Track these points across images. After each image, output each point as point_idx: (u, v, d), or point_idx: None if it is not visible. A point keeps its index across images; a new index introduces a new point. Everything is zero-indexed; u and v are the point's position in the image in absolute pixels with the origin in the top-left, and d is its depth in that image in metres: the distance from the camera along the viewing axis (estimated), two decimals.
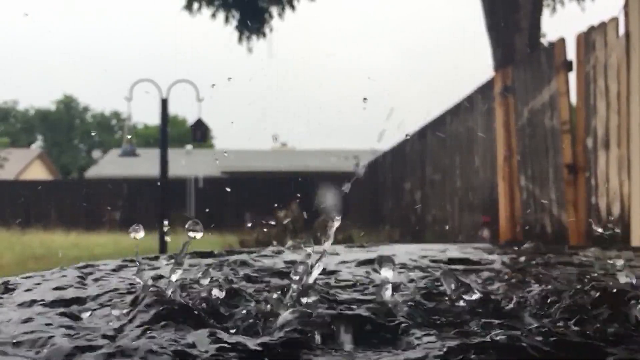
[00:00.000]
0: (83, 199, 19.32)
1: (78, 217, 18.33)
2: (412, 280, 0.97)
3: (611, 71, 4.47)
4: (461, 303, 0.78)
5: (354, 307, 0.74)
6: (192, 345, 0.57)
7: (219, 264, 1.12)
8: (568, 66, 5.15)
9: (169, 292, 0.75)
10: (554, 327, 0.67)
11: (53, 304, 0.78)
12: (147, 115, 48.29)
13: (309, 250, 0.81)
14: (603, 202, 4.58)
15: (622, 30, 4.39)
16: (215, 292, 0.78)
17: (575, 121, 5.05)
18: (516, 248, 1.48)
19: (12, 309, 0.76)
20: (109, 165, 28.50)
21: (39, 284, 0.93)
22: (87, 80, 69.10)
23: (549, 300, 0.78)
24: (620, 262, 0.88)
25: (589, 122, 4.78)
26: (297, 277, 0.76)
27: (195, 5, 11.86)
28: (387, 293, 0.76)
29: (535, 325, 0.66)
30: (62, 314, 0.72)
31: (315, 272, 0.78)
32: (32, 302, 0.79)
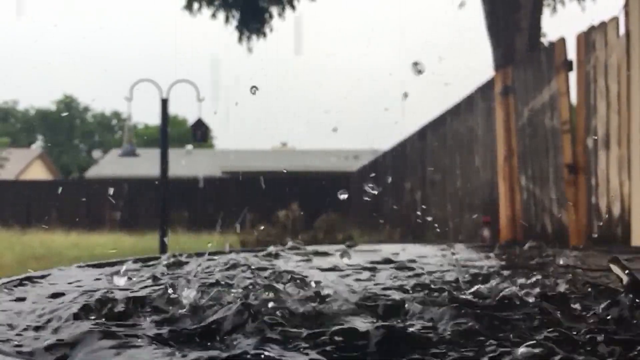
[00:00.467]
0: (84, 198, 19.31)
1: (78, 217, 18.33)
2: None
3: (611, 71, 4.47)
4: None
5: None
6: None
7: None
8: (568, 66, 5.15)
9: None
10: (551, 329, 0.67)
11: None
12: (147, 115, 48.24)
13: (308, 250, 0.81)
14: (603, 202, 4.58)
15: (622, 30, 4.39)
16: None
17: (576, 121, 5.05)
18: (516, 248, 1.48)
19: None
20: (109, 165, 28.49)
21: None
22: (88, 80, 69.10)
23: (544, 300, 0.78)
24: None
25: (590, 122, 4.78)
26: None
27: (196, 5, 11.86)
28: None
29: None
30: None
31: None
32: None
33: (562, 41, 5.28)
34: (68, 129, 48.60)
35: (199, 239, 11.48)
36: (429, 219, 9.76)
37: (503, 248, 1.53)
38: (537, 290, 0.81)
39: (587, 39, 4.81)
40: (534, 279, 0.87)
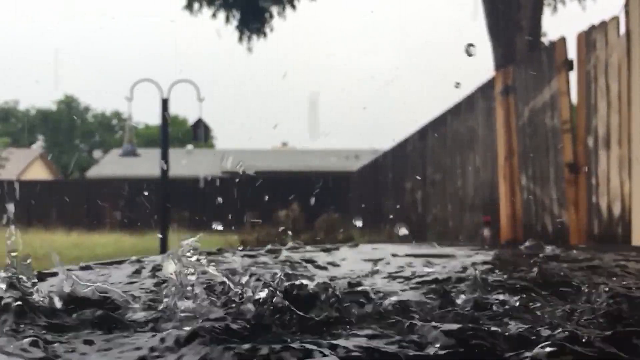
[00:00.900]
0: (84, 198, 19.32)
1: (79, 216, 18.34)
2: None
3: (612, 70, 4.47)
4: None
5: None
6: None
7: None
8: (569, 65, 5.14)
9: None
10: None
11: None
12: (147, 115, 48.23)
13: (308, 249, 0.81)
14: (604, 202, 4.58)
15: (623, 29, 4.39)
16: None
17: (576, 120, 5.05)
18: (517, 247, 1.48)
19: None
20: (110, 165, 28.50)
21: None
22: (88, 81, 69.13)
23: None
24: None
25: (590, 121, 4.78)
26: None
27: (196, 5, 11.87)
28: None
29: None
30: None
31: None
32: None
33: (562, 41, 5.27)
34: (68, 129, 48.62)
35: (199, 239, 11.47)
36: (430, 218, 9.76)
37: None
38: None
39: (587, 39, 4.80)
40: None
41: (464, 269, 1.10)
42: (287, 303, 0.69)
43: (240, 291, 0.74)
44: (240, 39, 12.02)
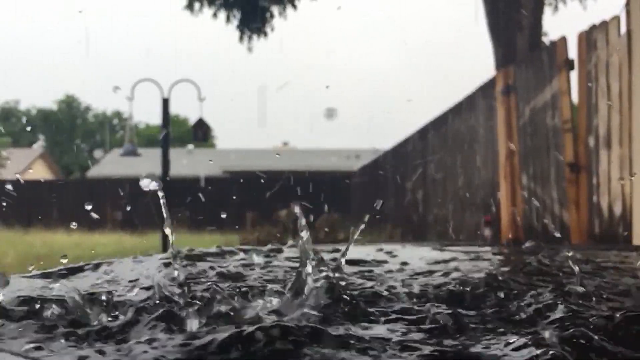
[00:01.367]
0: (85, 198, 19.32)
1: (80, 216, 18.33)
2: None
3: (613, 70, 4.46)
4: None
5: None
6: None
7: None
8: (570, 65, 5.14)
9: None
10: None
11: None
12: (148, 115, 48.23)
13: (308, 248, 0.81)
14: (605, 201, 4.57)
15: (623, 29, 4.38)
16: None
17: (577, 120, 5.05)
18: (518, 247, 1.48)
19: None
20: (111, 164, 28.51)
21: None
22: (89, 80, 69.15)
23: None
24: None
25: (591, 121, 4.77)
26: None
27: (197, 5, 11.87)
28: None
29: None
30: None
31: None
32: None
33: (563, 40, 5.27)
34: (69, 129, 48.63)
35: (201, 238, 11.49)
36: (431, 218, 9.76)
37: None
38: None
39: (588, 38, 4.80)
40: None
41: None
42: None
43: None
44: (241, 38, 12.03)
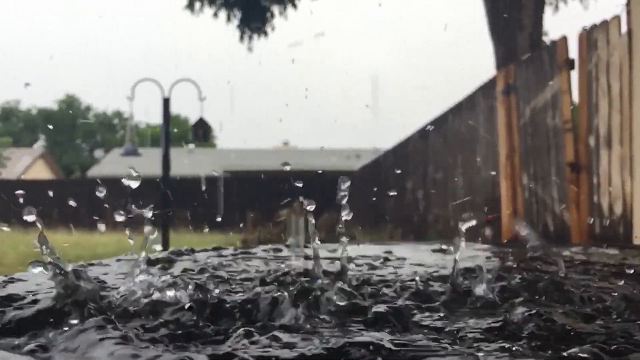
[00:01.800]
0: (86, 198, 19.32)
1: (80, 216, 18.34)
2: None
3: (613, 69, 4.46)
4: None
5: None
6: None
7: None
8: (570, 64, 5.14)
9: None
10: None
11: None
12: (149, 115, 48.26)
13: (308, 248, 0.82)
14: (605, 201, 4.57)
15: (624, 28, 4.38)
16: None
17: (577, 120, 5.04)
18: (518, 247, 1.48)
19: None
20: (111, 164, 28.52)
21: None
22: (89, 80, 69.16)
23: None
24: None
25: (591, 120, 4.77)
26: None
27: (197, 5, 11.87)
28: None
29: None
30: None
31: None
32: None
33: (564, 40, 5.27)
34: (70, 129, 48.64)
35: (203, 238, 11.50)
36: (431, 218, 9.76)
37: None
38: None
39: (589, 38, 4.80)
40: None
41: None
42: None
43: None
44: (242, 38, 12.03)
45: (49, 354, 0.58)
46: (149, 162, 20.51)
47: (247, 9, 11.76)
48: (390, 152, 13.46)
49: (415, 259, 1.30)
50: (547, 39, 8.30)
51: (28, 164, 33.56)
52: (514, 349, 0.57)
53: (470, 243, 1.56)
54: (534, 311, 0.68)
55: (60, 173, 38.71)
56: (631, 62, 4.24)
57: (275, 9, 12.03)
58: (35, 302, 0.77)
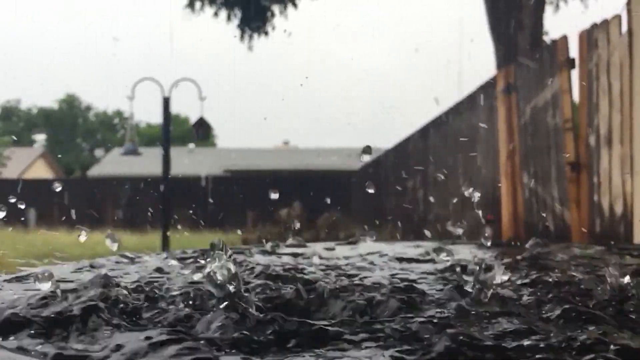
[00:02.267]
0: (86, 198, 19.34)
1: (80, 216, 18.35)
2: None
3: (614, 69, 4.46)
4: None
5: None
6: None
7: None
8: (570, 64, 5.13)
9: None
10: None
11: None
12: (149, 114, 48.25)
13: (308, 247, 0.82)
14: (606, 200, 4.57)
15: (625, 27, 4.38)
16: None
17: (578, 119, 5.04)
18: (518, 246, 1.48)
19: None
20: (111, 164, 28.53)
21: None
22: (89, 80, 69.16)
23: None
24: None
25: (592, 120, 4.77)
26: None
27: (198, 4, 11.87)
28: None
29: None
30: None
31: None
32: None
33: (564, 39, 5.26)
34: (70, 128, 48.65)
35: (203, 238, 11.50)
36: (431, 217, 9.76)
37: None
38: None
39: (589, 37, 4.80)
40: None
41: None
42: None
43: None
44: (242, 37, 12.03)
45: (53, 354, 0.58)
46: (149, 162, 20.54)
47: (247, 8, 11.76)
48: (390, 152, 13.46)
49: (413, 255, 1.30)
50: (547, 38, 8.30)
51: (28, 163, 33.59)
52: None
53: (469, 243, 1.57)
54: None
55: (60, 172, 38.72)
56: (631, 61, 4.24)
57: (276, 9, 12.03)
58: (36, 302, 0.77)
